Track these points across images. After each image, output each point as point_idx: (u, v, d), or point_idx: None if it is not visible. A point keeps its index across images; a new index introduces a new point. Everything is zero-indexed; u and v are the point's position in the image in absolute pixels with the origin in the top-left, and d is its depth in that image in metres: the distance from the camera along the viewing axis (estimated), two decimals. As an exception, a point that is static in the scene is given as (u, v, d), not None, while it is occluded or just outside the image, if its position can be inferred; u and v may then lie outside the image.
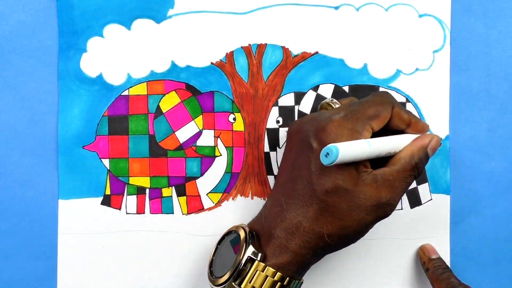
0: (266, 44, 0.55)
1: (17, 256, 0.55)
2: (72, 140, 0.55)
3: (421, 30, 0.55)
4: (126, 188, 0.56)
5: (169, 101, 0.55)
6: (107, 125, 0.55)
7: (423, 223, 0.56)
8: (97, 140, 0.55)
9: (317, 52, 0.55)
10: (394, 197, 0.46)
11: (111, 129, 0.55)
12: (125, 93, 0.55)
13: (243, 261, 0.46)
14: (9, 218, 0.55)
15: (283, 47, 0.55)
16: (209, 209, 0.56)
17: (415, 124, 0.48)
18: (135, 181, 0.56)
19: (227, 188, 0.56)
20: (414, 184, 0.56)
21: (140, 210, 0.56)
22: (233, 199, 0.56)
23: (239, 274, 0.46)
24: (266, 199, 0.55)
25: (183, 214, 0.56)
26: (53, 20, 0.55)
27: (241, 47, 0.55)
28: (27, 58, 0.55)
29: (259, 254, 0.46)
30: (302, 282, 0.48)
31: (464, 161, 0.56)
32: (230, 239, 0.49)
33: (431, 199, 0.56)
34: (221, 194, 0.56)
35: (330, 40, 0.55)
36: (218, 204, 0.56)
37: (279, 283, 0.46)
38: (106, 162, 0.55)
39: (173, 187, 0.56)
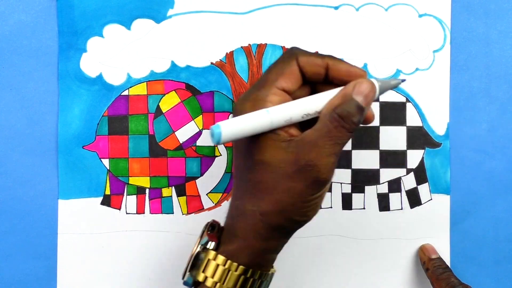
0: (266, 44, 0.55)
1: (17, 256, 0.56)
2: (72, 140, 0.55)
3: (421, 30, 0.55)
4: (126, 188, 0.56)
5: (169, 101, 0.55)
6: (107, 125, 0.55)
7: (423, 223, 0.56)
8: (97, 140, 0.55)
9: (317, 52, 0.55)
10: (315, 156, 0.41)
11: (111, 129, 0.55)
12: (125, 93, 0.55)
13: (196, 251, 0.45)
14: (9, 218, 0.55)
15: (283, 47, 0.55)
16: (209, 209, 0.56)
17: (334, 67, 0.43)
18: (135, 181, 0.56)
19: (227, 188, 0.56)
20: (414, 184, 0.56)
21: (140, 210, 0.56)
22: (233, 199, 0.56)
23: (192, 266, 0.45)
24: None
25: (183, 214, 0.56)
26: (53, 20, 0.55)
27: (241, 47, 0.55)
28: (27, 58, 0.55)
29: (211, 243, 0.45)
30: (268, 274, 0.46)
31: (464, 161, 0.56)
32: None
33: (431, 199, 0.56)
34: (221, 194, 0.56)
35: (330, 40, 0.55)
36: (218, 204, 0.56)
37: (229, 271, 0.44)
38: (106, 162, 0.55)
39: (173, 187, 0.56)
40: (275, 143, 0.42)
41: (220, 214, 0.55)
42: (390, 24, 0.55)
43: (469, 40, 0.56)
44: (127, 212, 0.56)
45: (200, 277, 0.44)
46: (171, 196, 0.56)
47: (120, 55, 0.55)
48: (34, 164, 0.55)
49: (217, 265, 0.44)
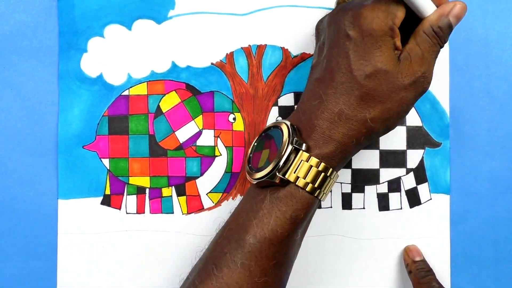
0: (266, 45, 0.56)
1: (17, 256, 0.55)
2: (72, 140, 0.55)
3: (420, 31, 0.55)
4: (126, 188, 0.56)
5: (169, 101, 0.55)
6: (107, 125, 0.55)
7: (423, 223, 0.56)
8: (97, 140, 0.55)
9: None
10: (427, 68, 0.46)
11: (111, 129, 0.55)
12: (126, 93, 0.55)
13: (288, 151, 0.45)
14: (9, 218, 0.55)
15: (282, 48, 0.56)
16: (209, 209, 0.56)
17: None
18: (135, 181, 0.56)
19: (227, 188, 0.56)
20: (413, 184, 0.56)
21: (140, 210, 0.56)
22: (233, 199, 0.56)
23: (282, 165, 0.46)
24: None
25: (183, 214, 0.56)
26: (53, 20, 0.55)
27: (241, 47, 0.56)
28: (27, 58, 0.55)
29: (304, 145, 0.46)
30: (338, 176, 0.48)
31: (464, 161, 0.56)
32: (270, 134, 0.49)
33: (431, 199, 0.56)
34: (221, 194, 0.56)
35: (330, 41, 0.55)
36: (218, 204, 0.56)
37: (322, 174, 0.45)
38: (106, 162, 0.55)
39: (173, 187, 0.56)
40: (393, 53, 0.46)
41: (220, 214, 0.56)
42: (390, 24, 0.56)
43: (468, 41, 0.56)
44: (127, 212, 0.56)
45: (292, 177, 0.46)
46: (171, 196, 0.56)
47: (120, 55, 0.55)
48: (34, 164, 0.55)
49: (311, 166, 0.45)
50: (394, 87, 0.46)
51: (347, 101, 0.46)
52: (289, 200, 0.46)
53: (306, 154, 0.46)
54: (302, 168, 0.46)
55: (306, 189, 0.46)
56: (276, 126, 0.48)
